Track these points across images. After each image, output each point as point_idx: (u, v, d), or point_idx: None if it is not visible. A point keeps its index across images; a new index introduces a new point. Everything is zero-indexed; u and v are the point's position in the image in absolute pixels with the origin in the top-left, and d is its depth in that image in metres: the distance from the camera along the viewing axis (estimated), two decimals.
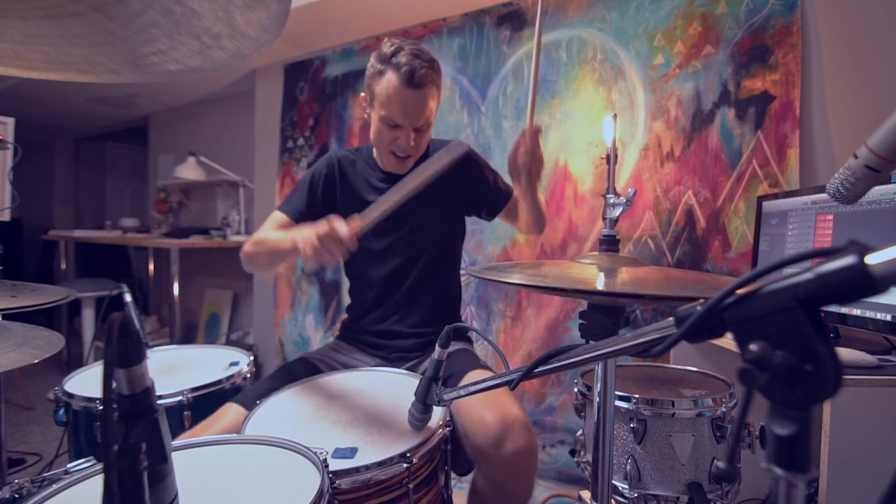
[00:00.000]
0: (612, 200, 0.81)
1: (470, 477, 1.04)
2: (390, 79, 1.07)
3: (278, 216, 1.21)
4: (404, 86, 1.06)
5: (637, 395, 0.99)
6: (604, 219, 0.83)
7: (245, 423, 0.85)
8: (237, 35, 0.45)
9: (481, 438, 0.88)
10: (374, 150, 1.28)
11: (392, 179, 1.23)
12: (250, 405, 0.95)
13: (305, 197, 1.23)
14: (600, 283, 0.64)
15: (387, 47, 1.09)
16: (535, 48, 0.98)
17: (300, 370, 1.16)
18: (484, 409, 0.91)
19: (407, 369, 1.15)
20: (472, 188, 1.29)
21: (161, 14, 0.41)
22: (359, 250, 1.02)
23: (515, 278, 0.64)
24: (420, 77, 1.06)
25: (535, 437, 0.90)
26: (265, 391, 1.01)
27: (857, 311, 1.12)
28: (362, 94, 1.18)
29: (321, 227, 0.87)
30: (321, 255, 0.87)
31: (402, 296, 1.25)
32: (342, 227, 0.86)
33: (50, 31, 0.43)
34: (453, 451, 0.90)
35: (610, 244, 0.80)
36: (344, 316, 1.37)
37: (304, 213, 1.21)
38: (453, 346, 1.22)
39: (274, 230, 1.18)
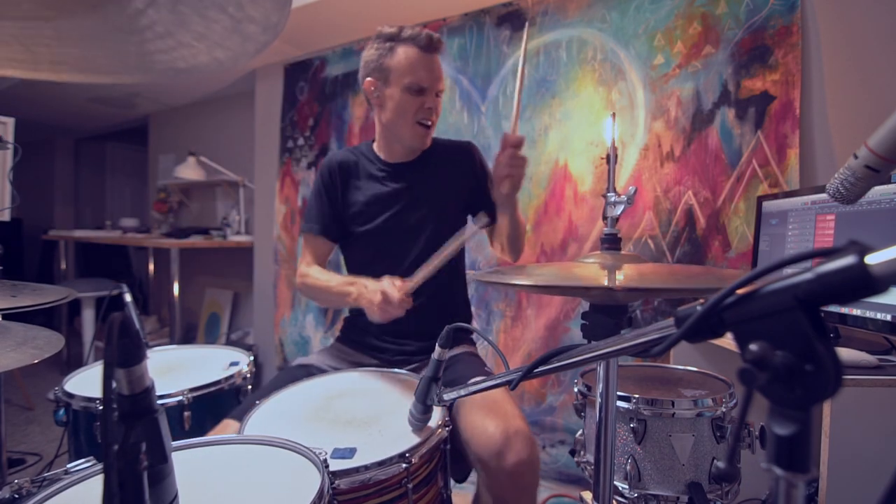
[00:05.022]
0: (613, 199, 0.81)
1: (466, 483, 1.04)
2: (408, 49, 1.15)
3: (315, 242, 1.28)
4: (425, 51, 1.15)
5: (637, 395, 0.99)
6: (604, 218, 0.82)
7: (245, 423, 0.84)
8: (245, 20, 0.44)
9: (483, 449, 0.88)
10: (375, 144, 1.30)
11: (396, 170, 1.25)
12: None
13: (326, 207, 1.26)
14: (605, 281, 0.64)
15: (387, 29, 1.17)
16: (521, 56, 1.06)
17: (297, 377, 1.13)
18: (486, 418, 0.91)
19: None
20: (475, 186, 1.29)
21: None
22: (362, 247, 1.21)
23: (521, 281, 0.65)
24: (437, 41, 1.16)
25: (538, 449, 0.90)
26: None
27: (857, 311, 1.12)
28: (368, 79, 1.19)
29: (376, 295, 0.98)
30: (384, 314, 0.98)
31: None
32: (393, 294, 0.96)
33: (50, 32, 0.42)
34: (451, 458, 0.90)
35: (612, 243, 0.80)
36: (345, 316, 1.36)
37: (331, 224, 1.26)
38: (457, 350, 1.21)
39: (317, 261, 1.27)
